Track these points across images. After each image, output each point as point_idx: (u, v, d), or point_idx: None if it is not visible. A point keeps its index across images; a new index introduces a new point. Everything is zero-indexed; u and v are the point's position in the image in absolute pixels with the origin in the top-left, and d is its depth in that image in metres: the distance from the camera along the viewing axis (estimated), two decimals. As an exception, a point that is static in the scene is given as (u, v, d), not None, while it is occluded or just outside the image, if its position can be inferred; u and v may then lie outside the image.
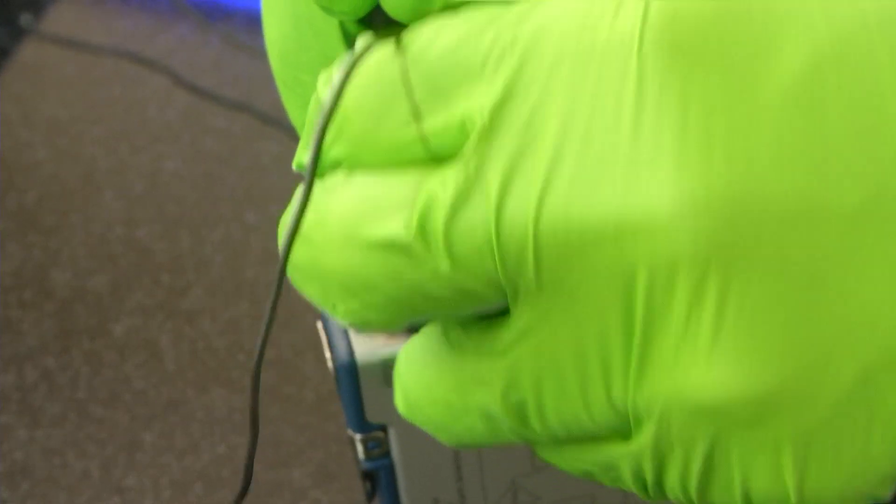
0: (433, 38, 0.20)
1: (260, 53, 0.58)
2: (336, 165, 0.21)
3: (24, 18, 0.61)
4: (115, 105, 0.57)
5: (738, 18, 0.18)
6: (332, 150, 0.20)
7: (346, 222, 0.20)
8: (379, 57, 0.20)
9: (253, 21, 0.60)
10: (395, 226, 0.19)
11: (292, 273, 0.21)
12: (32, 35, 0.60)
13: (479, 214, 0.19)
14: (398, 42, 0.20)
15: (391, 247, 0.20)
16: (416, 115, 0.20)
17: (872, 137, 0.18)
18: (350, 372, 0.27)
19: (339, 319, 0.21)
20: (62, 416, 0.44)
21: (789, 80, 0.18)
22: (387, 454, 0.29)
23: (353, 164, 0.20)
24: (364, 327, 0.21)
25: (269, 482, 0.42)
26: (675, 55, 0.18)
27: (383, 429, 0.29)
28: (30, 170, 0.54)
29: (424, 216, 0.19)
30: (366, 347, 0.27)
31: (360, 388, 0.28)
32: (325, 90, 0.21)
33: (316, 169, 0.20)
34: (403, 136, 0.20)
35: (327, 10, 0.21)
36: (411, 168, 0.20)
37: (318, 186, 0.21)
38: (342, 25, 0.23)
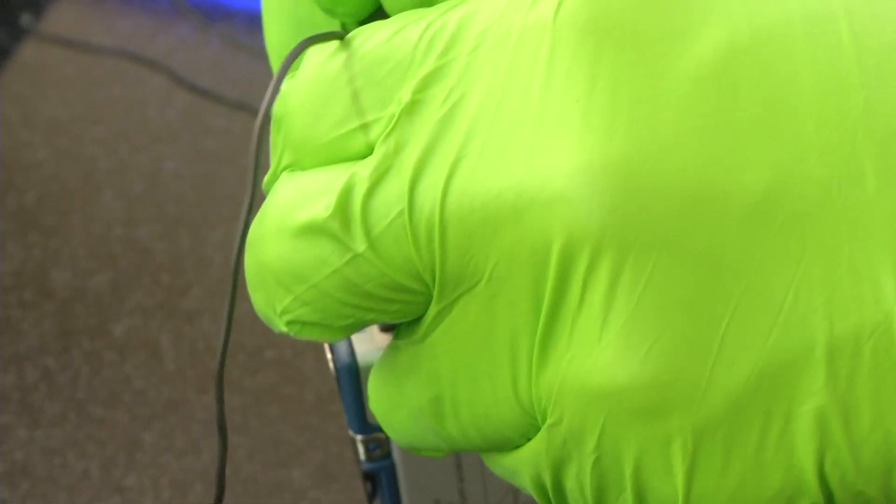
0: (372, 33, 0.20)
1: (260, 53, 0.58)
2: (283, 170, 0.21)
3: (24, 18, 0.61)
4: (115, 105, 0.57)
5: (655, 3, 0.18)
6: (283, 159, 0.21)
7: (279, 214, 0.20)
8: (322, 55, 0.20)
9: (253, 21, 0.60)
10: (318, 208, 0.19)
11: (247, 283, 0.21)
12: (32, 35, 0.60)
13: (394, 193, 0.19)
14: (342, 40, 0.20)
15: (312, 229, 0.19)
16: (358, 105, 0.20)
17: (782, 127, 0.18)
18: (351, 373, 0.27)
19: (281, 327, 0.21)
20: (62, 416, 0.44)
21: (702, 63, 0.18)
22: (388, 455, 0.29)
23: (296, 169, 0.20)
24: (302, 332, 0.21)
25: (269, 482, 0.42)
26: (587, 32, 0.18)
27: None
28: (30, 170, 0.54)
29: (344, 196, 0.19)
30: (367, 348, 0.27)
31: (361, 389, 0.28)
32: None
33: (258, 165, 0.19)
34: (342, 132, 0.20)
35: (329, 12, 0.22)
36: (343, 167, 0.20)
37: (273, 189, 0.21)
38: (344, 28, 0.23)
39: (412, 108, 0.19)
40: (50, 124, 0.56)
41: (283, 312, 0.20)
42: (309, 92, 0.20)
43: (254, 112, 0.56)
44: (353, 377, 0.27)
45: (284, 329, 0.21)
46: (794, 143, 0.17)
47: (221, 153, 0.54)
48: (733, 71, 0.18)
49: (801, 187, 0.17)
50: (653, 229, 0.17)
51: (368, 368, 0.27)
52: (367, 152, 0.20)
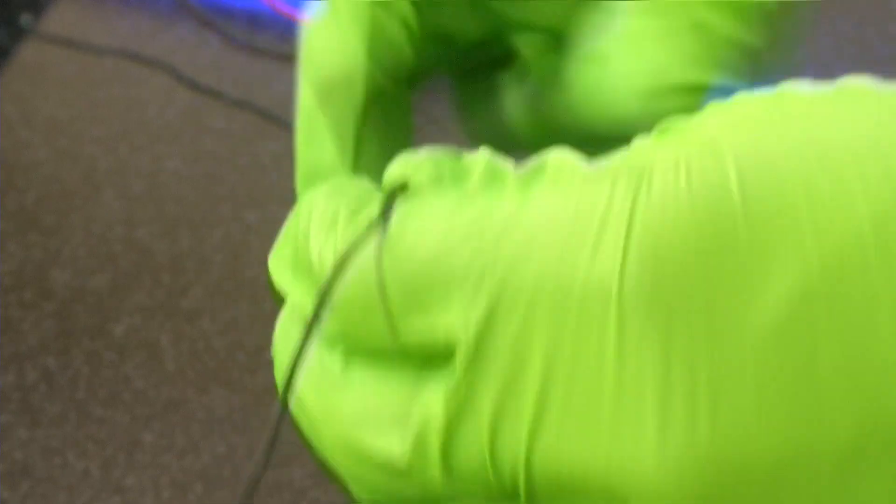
0: (416, 240, 0.20)
1: (259, 53, 0.58)
2: (333, 338, 0.21)
3: (24, 18, 0.61)
4: (115, 105, 0.57)
5: (722, 248, 0.18)
6: (328, 327, 0.21)
7: (347, 432, 0.21)
8: (365, 259, 0.20)
9: (253, 21, 0.60)
10: (393, 444, 0.20)
11: (296, 415, 0.22)
12: (32, 35, 0.60)
13: (474, 442, 0.19)
14: (382, 244, 0.20)
15: (390, 465, 0.20)
16: (393, 329, 0.20)
17: (864, 368, 0.18)
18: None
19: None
20: (62, 416, 0.44)
21: (776, 314, 0.18)
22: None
23: (347, 343, 0.21)
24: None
25: (269, 482, 0.42)
26: (655, 301, 0.18)
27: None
28: (30, 170, 0.54)
29: (421, 438, 0.20)
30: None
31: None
32: (322, 265, 0.21)
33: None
34: (386, 341, 0.20)
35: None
36: (405, 368, 0.20)
37: (320, 361, 0.21)
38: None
39: (476, 351, 0.19)
40: (50, 124, 0.56)
41: (357, 494, 0.22)
42: (351, 297, 0.20)
43: (254, 111, 0.56)
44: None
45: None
46: (873, 385, 0.18)
47: (221, 153, 0.54)
48: (808, 316, 0.18)
49: (887, 429, 0.18)
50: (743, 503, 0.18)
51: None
52: (420, 353, 0.20)
